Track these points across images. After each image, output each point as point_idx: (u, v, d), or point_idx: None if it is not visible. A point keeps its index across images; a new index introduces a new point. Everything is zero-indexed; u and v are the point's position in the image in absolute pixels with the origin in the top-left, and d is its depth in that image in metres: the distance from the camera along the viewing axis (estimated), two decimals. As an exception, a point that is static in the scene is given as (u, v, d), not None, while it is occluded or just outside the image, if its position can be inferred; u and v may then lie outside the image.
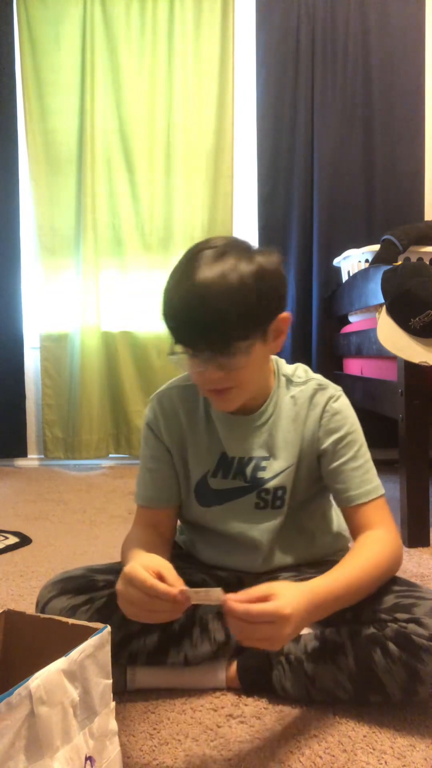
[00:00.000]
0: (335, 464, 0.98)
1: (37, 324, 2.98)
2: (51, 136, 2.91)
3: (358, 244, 2.59)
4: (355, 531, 0.96)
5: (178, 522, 1.10)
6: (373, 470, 0.98)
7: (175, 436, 1.03)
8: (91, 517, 2.06)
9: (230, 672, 0.97)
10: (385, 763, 0.80)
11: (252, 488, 1.01)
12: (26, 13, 2.88)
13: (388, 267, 1.72)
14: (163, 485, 1.04)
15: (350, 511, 0.96)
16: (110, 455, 3.04)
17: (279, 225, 2.94)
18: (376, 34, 2.90)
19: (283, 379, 1.03)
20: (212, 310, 0.81)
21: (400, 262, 1.74)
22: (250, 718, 0.89)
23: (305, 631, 0.98)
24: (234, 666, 0.97)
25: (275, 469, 1.00)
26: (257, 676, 0.95)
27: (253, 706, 0.92)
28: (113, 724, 0.66)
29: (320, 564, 1.04)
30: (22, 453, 3.03)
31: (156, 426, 1.04)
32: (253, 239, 3.00)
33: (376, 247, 2.17)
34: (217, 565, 1.07)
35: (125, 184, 2.93)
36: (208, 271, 0.82)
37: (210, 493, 1.03)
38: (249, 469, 1.01)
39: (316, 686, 0.90)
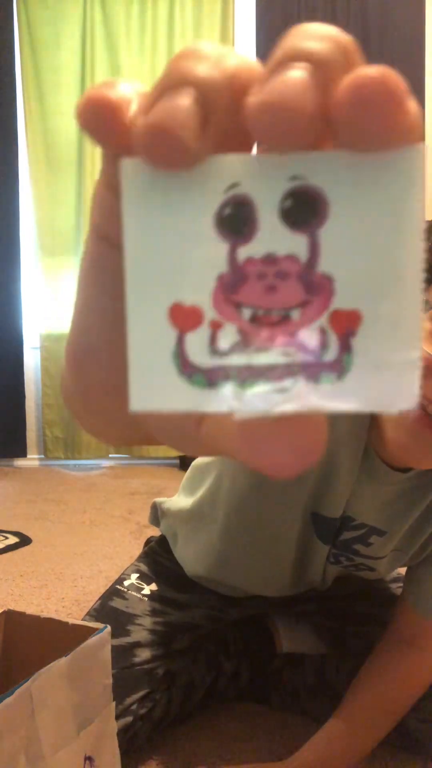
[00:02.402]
0: None
1: (37, 324, 2.98)
2: (51, 136, 2.91)
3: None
4: (408, 635, 0.81)
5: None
6: None
7: None
8: (91, 517, 2.05)
9: None
10: (386, 763, 0.80)
11: (335, 549, 0.80)
12: (26, 13, 2.88)
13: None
14: None
15: (417, 618, 0.80)
16: (110, 455, 3.04)
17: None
18: (376, 34, 2.90)
19: None
20: None
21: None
22: (250, 718, 0.89)
23: (311, 650, 0.96)
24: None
25: (379, 551, 0.78)
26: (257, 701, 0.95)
27: (254, 706, 0.92)
28: (113, 724, 0.66)
29: (348, 589, 0.95)
30: (22, 453, 3.03)
31: None
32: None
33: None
34: (236, 586, 0.91)
35: (125, 184, 2.93)
36: None
37: None
38: (348, 535, 0.77)
39: (310, 716, 0.90)
